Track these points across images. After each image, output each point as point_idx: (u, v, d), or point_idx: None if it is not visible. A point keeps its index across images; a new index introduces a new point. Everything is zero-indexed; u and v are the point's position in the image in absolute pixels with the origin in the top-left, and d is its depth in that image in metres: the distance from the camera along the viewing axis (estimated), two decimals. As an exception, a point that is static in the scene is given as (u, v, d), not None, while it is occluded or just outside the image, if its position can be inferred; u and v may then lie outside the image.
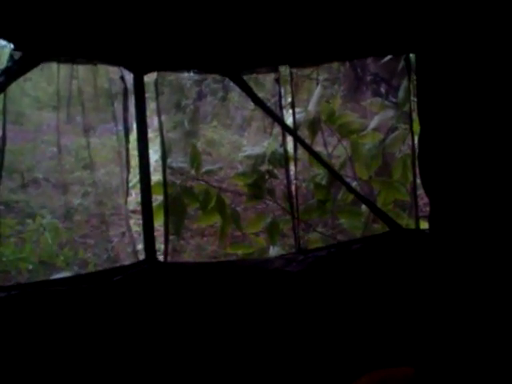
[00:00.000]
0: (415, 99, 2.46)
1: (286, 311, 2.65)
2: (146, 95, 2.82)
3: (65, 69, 2.60)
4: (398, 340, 2.57)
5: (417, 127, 2.55)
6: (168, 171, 2.87)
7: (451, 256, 2.31)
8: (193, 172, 3.10)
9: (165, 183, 2.74)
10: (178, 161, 3.09)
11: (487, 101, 2.14)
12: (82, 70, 2.63)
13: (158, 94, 2.77)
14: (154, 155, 3.16)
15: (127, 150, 2.65)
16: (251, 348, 2.58)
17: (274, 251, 3.12)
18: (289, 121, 3.01)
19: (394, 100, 3.19)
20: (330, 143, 3.37)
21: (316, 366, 2.59)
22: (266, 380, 2.56)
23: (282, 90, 3.03)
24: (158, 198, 2.86)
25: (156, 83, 2.77)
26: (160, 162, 2.78)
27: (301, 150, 2.97)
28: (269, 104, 3.00)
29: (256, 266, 2.77)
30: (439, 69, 2.30)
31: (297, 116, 2.99)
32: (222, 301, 2.60)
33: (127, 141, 2.63)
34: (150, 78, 2.82)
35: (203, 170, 3.11)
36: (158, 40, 2.41)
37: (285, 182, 2.89)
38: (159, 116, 2.76)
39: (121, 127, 2.67)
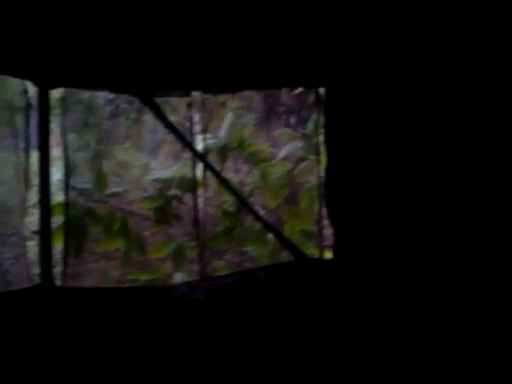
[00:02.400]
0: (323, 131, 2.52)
1: (189, 339, 2.59)
2: (55, 112, 2.71)
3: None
4: (303, 367, 2.58)
5: (324, 159, 2.61)
6: (73, 192, 2.77)
7: (354, 284, 2.36)
8: (98, 193, 3.00)
9: (66, 203, 2.64)
10: (82, 181, 2.98)
11: (391, 137, 2.23)
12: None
13: (64, 111, 2.68)
14: (57, 174, 3.04)
15: (27, 167, 2.53)
16: (152, 376, 2.50)
17: (178, 277, 3.06)
18: (200, 146, 2.99)
19: (303, 131, 3.26)
20: (242, 171, 3.37)
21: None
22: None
23: (197, 116, 3.02)
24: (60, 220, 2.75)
25: (63, 99, 2.68)
26: (63, 182, 2.68)
27: (210, 177, 2.96)
28: (182, 129, 2.98)
29: (159, 293, 2.70)
30: (346, 104, 2.38)
31: (208, 142, 2.98)
32: (122, 327, 2.51)
33: (27, 157, 2.52)
34: (59, 94, 2.73)
35: (109, 191, 3.02)
36: (67, 54, 2.33)
37: (191, 207, 2.86)
38: (64, 134, 2.66)
39: (22, 143, 2.56)
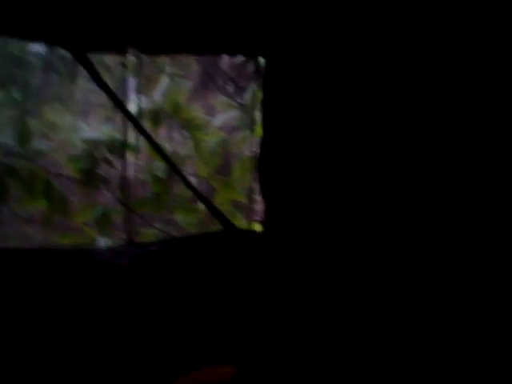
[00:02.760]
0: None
1: (112, 306, 2.53)
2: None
3: None
4: (227, 339, 2.58)
5: (259, 130, 2.58)
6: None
7: (282, 258, 2.37)
8: (21, 151, 2.86)
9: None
10: (4, 137, 2.83)
11: (332, 111, 2.22)
12: None
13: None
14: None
15: None
16: (72, 342, 2.42)
17: (102, 243, 2.98)
18: (133, 109, 2.90)
19: (240, 101, 3.22)
20: (175, 137, 3.31)
21: (139, 364, 2.51)
22: (92, 376, 2.42)
23: (132, 79, 2.93)
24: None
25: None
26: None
27: (143, 141, 2.88)
28: (116, 90, 2.87)
29: (81, 256, 2.61)
30: (286, 76, 2.35)
31: (142, 105, 2.90)
32: (42, 291, 2.42)
33: None
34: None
35: (33, 149, 2.88)
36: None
37: (121, 171, 2.78)
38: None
39: None
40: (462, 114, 1.95)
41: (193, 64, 3.73)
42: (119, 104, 2.81)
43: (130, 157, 2.82)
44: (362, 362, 1.92)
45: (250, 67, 3.09)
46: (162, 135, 3.31)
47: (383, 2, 2.04)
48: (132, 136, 2.84)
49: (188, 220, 3.18)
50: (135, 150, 2.78)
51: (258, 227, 2.91)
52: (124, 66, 2.72)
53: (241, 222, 3.10)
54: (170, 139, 3.52)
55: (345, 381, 1.88)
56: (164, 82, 3.11)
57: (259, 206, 2.99)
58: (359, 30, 2.11)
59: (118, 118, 2.95)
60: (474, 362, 1.82)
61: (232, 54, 3.11)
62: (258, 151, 2.48)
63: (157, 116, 3.01)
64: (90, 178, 2.91)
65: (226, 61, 3.48)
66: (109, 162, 2.96)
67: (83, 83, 4.49)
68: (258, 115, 2.83)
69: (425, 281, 1.94)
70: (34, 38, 2.68)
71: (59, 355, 2.39)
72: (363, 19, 2.10)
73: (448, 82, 1.97)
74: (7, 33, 2.56)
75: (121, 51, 2.71)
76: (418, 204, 2.00)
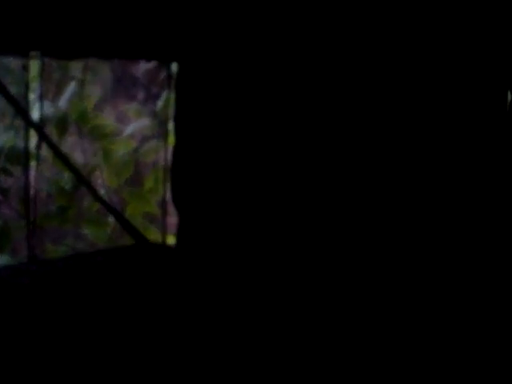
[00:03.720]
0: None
1: (14, 328, 2.35)
2: None
3: None
4: (139, 355, 2.46)
5: (172, 139, 2.49)
6: None
7: (196, 271, 2.29)
8: None
9: None
10: None
11: (243, 122, 2.16)
12: None
13: None
14: None
15: None
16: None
17: (2, 260, 2.77)
18: (36, 115, 2.72)
19: (152, 108, 3.11)
20: (83, 146, 3.14)
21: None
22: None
23: (36, 83, 2.75)
24: None
25: None
26: None
27: (46, 150, 2.71)
28: (17, 94, 2.68)
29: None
30: (199, 83, 2.28)
31: (46, 111, 2.72)
32: None
33: None
34: None
35: None
36: None
37: (23, 182, 2.58)
38: None
39: None
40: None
41: (104, 70, 3.59)
42: (20, 110, 2.63)
43: (33, 167, 2.64)
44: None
45: (163, 74, 2.99)
46: (71, 145, 3.15)
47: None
48: (34, 143, 2.66)
49: (98, 234, 3.02)
50: (38, 159, 2.60)
51: (172, 240, 2.81)
52: (25, 69, 2.54)
53: (154, 235, 2.99)
54: (80, 148, 3.35)
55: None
56: (71, 86, 2.95)
57: (173, 218, 2.89)
58: (269, 34, 2.06)
59: (20, 125, 2.76)
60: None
61: (144, 59, 3.00)
62: (171, 160, 2.40)
63: (62, 123, 2.84)
64: (-13, 189, 2.71)
65: (138, 67, 3.36)
66: (8, 173, 2.76)
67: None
68: (170, 123, 2.73)
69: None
70: None
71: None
72: (273, 24, 2.05)
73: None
74: None
75: (23, 54, 2.53)
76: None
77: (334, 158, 1.98)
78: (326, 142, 1.98)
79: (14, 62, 3.13)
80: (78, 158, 3.04)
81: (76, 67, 3.25)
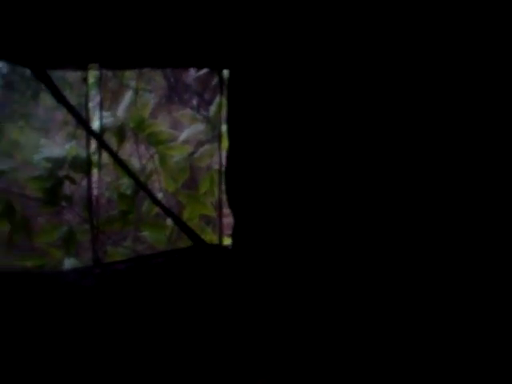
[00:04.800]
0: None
1: (79, 327, 2.46)
2: None
3: None
4: (200, 354, 2.53)
5: (226, 143, 2.55)
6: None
7: (253, 271, 2.34)
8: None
9: None
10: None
11: (294, 124, 2.21)
12: None
13: None
14: None
15: None
16: (42, 364, 2.35)
17: (69, 264, 2.90)
18: (96, 125, 2.85)
19: (205, 114, 3.19)
20: (140, 153, 3.26)
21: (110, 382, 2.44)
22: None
23: (95, 94, 2.87)
24: None
25: None
26: None
27: (107, 158, 2.82)
28: (78, 106, 2.81)
29: (47, 279, 2.54)
30: (250, 88, 2.33)
31: (105, 121, 2.84)
32: (6, 315, 2.34)
33: None
34: None
35: (-5, 170, 2.81)
36: None
37: (86, 189, 2.70)
38: None
39: None
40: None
41: (156, 76, 3.70)
42: (81, 121, 2.75)
43: (94, 174, 2.76)
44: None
45: (214, 80, 3.07)
46: (128, 151, 3.26)
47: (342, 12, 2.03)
48: (95, 151, 2.78)
49: (156, 237, 3.12)
50: (99, 166, 2.72)
51: (228, 241, 2.87)
52: (85, 81, 2.66)
53: (211, 237, 3.06)
54: (137, 154, 3.46)
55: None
56: (128, 96, 3.06)
57: (229, 219, 2.95)
58: (317, 42, 2.10)
59: (82, 134, 2.89)
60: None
61: (196, 67, 3.09)
62: (225, 164, 2.46)
63: (121, 132, 2.96)
64: (53, 197, 2.84)
65: (190, 74, 3.45)
66: (72, 180, 2.89)
67: (46, 100, 4.41)
68: (224, 128, 2.80)
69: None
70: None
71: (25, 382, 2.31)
72: (321, 31, 2.09)
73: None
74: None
75: (82, 67, 2.65)
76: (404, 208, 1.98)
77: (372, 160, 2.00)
78: (373, 143, 2.00)
79: (72, 75, 3.27)
80: (134, 163, 3.16)
81: (130, 76, 3.37)
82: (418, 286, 1.88)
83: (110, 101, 3.16)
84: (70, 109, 2.74)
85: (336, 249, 2.06)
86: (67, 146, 2.99)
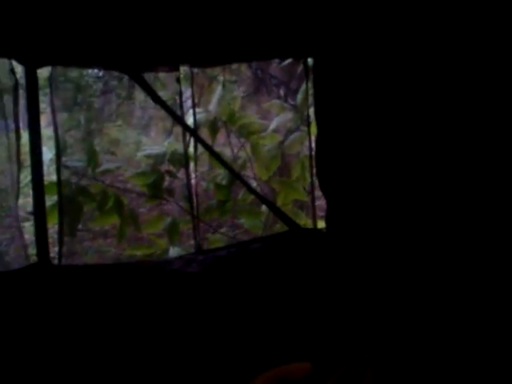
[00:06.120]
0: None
1: (186, 312, 2.63)
2: (44, 91, 2.69)
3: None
4: (299, 336, 2.62)
5: (314, 129, 2.62)
6: (65, 171, 2.78)
7: (347, 254, 2.39)
8: (90, 171, 3.01)
9: (59, 182, 2.65)
10: (74, 160, 2.99)
11: (380, 104, 2.23)
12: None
13: (52, 89, 2.67)
14: (49, 154, 3.04)
15: (18, 147, 2.53)
16: (152, 351, 2.54)
17: (173, 252, 3.09)
18: (190, 121, 3.00)
19: (293, 102, 3.26)
20: (236, 144, 3.39)
21: (217, 366, 2.59)
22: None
23: (187, 91, 3.02)
24: (54, 200, 2.76)
25: (50, 78, 2.67)
26: (55, 161, 2.69)
27: (203, 151, 2.97)
28: (172, 104, 2.97)
29: (154, 267, 2.73)
30: (334, 74, 2.38)
31: (198, 116, 2.98)
32: (119, 303, 2.54)
33: (18, 138, 2.52)
34: (47, 73, 2.72)
35: (101, 169, 3.03)
36: (53, 32, 2.31)
37: (185, 182, 2.87)
38: (53, 113, 2.66)
39: (12, 124, 2.56)
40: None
41: (243, 68, 3.80)
42: (176, 118, 2.91)
43: (191, 167, 2.91)
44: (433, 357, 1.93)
45: (299, 68, 3.13)
46: (220, 141, 3.40)
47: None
48: (191, 146, 2.93)
49: (253, 223, 3.25)
50: (195, 160, 2.88)
51: (322, 224, 2.94)
52: (178, 81, 2.81)
53: (305, 221, 3.14)
54: (229, 144, 3.60)
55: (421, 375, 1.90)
56: (217, 91, 3.20)
57: (321, 201, 3.02)
58: (404, 29, 2.11)
59: (177, 129, 3.05)
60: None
61: (282, 57, 3.17)
62: (315, 149, 2.52)
63: (213, 125, 3.10)
64: (156, 191, 3.03)
65: (275, 64, 3.53)
66: (172, 174, 3.07)
67: (141, 100, 4.64)
68: (311, 115, 2.86)
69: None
70: (93, 65, 2.82)
71: (140, 366, 2.51)
72: (409, 19, 2.10)
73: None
74: (67, 63, 2.71)
75: (174, 68, 2.80)
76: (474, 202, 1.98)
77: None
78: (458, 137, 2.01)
79: (164, 76, 3.43)
80: (227, 153, 3.29)
81: (216, 69, 3.49)
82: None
83: (198, 94, 3.30)
84: (166, 107, 2.91)
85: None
86: (165, 143, 3.16)
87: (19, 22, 2.18)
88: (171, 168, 3.06)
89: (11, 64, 2.47)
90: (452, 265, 2.00)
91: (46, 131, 3.02)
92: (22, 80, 2.62)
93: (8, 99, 2.65)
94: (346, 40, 2.30)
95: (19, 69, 2.61)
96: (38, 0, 2.06)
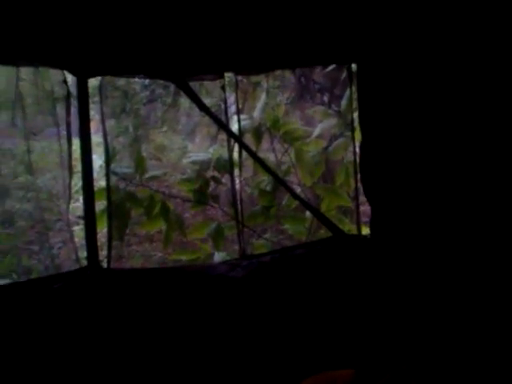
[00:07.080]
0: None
1: (230, 317, 2.66)
2: (95, 99, 2.78)
3: (7, 71, 2.56)
4: (342, 343, 2.62)
5: (358, 135, 2.61)
6: (114, 177, 2.85)
7: (391, 260, 2.37)
8: (138, 177, 3.08)
9: (108, 188, 2.73)
10: (122, 166, 3.06)
11: (424, 109, 2.22)
12: (26, 72, 2.60)
13: (101, 98, 2.76)
14: (99, 160, 3.13)
15: (69, 154, 2.62)
16: (196, 354, 2.58)
17: (218, 257, 3.12)
18: (235, 127, 3.03)
19: (336, 108, 3.26)
20: (279, 150, 3.40)
21: (261, 370, 2.61)
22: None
23: (231, 97, 3.05)
24: (103, 204, 2.84)
25: (100, 87, 2.76)
26: (104, 168, 2.77)
27: (247, 157, 3.01)
28: (217, 111, 3.02)
29: (199, 272, 2.77)
30: (378, 79, 2.37)
31: (242, 123, 3.01)
32: (165, 307, 2.59)
33: (70, 145, 2.61)
34: (96, 82, 2.81)
35: (148, 175, 3.10)
36: (102, 44, 2.40)
37: (229, 187, 2.91)
38: (103, 121, 2.75)
39: (64, 131, 2.65)
40: None
41: (286, 75, 3.82)
42: (221, 125, 2.96)
43: (236, 173, 2.94)
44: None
45: (343, 74, 3.12)
46: (264, 147, 3.42)
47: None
48: (236, 152, 2.96)
49: (297, 229, 3.25)
50: (240, 166, 2.91)
51: (366, 230, 2.92)
52: (223, 88, 2.85)
53: (349, 227, 3.13)
54: (272, 151, 3.61)
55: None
56: (262, 97, 3.22)
57: (365, 207, 3.00)
58: (450, 34, 2.09)
59: (222, 136, 3.09)
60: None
61: (325, 64, 3.17)
62: (359, 155, 2.52)
63: (258, 132, 3.13)
64: (202, 196, 3.08)
65: (318, 70, 3.54)
66: (217, 181, 3.11)
67: (186, 107, 4.72)
68: (355, 121, 2.85)
69: None
70: (140, 74, 2.89)
71: (184, 370, 2.54)
72: (450, 25, 2.08)
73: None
74: (116, 73, 2.79)
75: (219, 75, 2.85)
76: None
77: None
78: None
79: (209, 83, 3.48)
80: (273, 158, 3.31)
81: (260, 76, 3.51)
82: None
83: (243, 101, 3.33)
84: (211, 114, 2.95)
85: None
86: (211, 149, 3.21)
87: (71, 35, 2.27)
88: (216, 174, 3.10)
89: (64, 75, 2.56)
90: (505, 273, 1.96)
91: (95, 137, 3.11)
92: (72, 89, 2.72)
93: (60, 108, 2.75)
94: (390, 45, 2.30)
95: (70, 79, 2.70)
96: (88, 15, 2.13)
